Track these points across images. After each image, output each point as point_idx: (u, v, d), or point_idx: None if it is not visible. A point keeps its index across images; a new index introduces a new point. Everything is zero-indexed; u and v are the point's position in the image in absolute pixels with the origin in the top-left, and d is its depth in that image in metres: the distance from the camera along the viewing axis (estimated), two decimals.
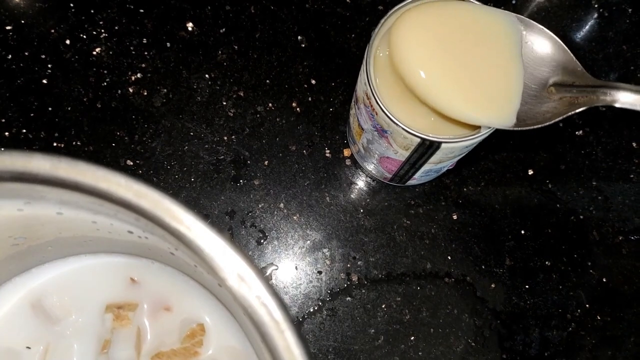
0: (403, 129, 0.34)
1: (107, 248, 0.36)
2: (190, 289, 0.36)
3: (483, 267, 0.47)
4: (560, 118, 0.33)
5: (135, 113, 0.48)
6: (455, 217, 0.48)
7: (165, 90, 0.49)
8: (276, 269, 0.46)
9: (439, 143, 0.34)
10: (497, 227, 0.48)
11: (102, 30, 0.50)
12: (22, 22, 0.50)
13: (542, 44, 0.34)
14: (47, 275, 0.36)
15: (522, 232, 0.48)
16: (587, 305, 0.47)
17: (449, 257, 0.47)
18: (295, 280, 0.46)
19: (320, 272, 0.46)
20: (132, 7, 0.50)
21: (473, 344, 0.46)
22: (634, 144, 0.50)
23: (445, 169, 0.43)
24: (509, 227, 0.48)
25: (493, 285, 0.47)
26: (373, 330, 0.46)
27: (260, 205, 0.47)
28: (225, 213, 0.47)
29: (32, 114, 0.48)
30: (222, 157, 0.48)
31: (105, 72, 0.49)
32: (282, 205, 0.47)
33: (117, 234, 0.31)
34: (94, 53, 0.50)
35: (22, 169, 0.22)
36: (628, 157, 0.50)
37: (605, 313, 0.47)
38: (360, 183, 0.49)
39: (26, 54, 0.49)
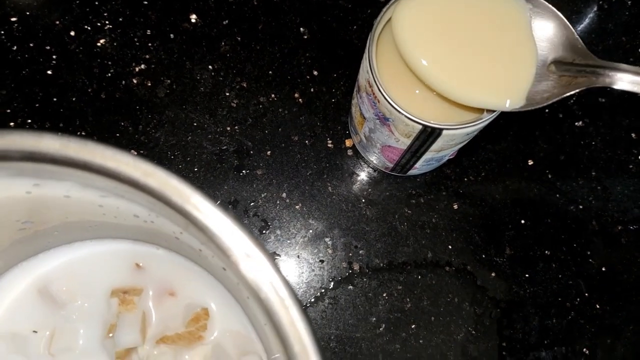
0: (405, 116, 0.34)
1: (113, 234, 0.37)
2: (194, 275, 0.37)
3: (483, 256, 0.48)
4: (558, 99, 0.33)
5: (139, 104, 0.49)
6: (455, 206, 0.49)
7: (169, 81, 0.50)
8: (279, 258, 0.47)
9: (441, 130, 0.35)
10: (497, 217, 0.49)
11: (106, 22, 0.50)
12: (27, 13, 0.50)
13: (544, 18, 0.34)
14: (53, 260, 0.36)
15: (522, 221, 0.49)
16: (586, 294, 0.47)
17: (450, 247, 0.48)
18: (298, 269, 0.46)
19: (322, 261, 0.47)
20: None
21: (473, 332, 0.47)
22: (633, 135, 0.51)
23: (446, 158, 0.43)
24: (509, 216, 0.49)
25: (493, 274, 0.48)
26: (374, 319, 0.46)
27: (262, 195, 0.48)
28: (228, 202, 0.47)
29: (37, 105, 0.48)
30: (225, 147, 0.49)
31: (110, 63, 0.50)
32: (284, 195, 0.48)
33: (123, 219, 0.32)
34: (98, 44, 0.50)
35: (32, 149, 0.23)
36: (627, 148, 0.50)
37: (604, 302, 0.47)
38: (362, 173, 0.49)
39: (31, 45, 0.50)
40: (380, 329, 0.46)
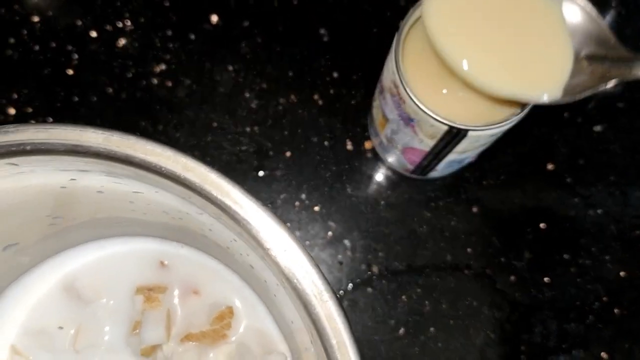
0: (431, 116, 0.35)
1: (139, 231, 0.37)
2: (219, 274, 0.37)
3: (502, 259, 0.48)
4: (591, 92, 0.33)
5: (159, 104, 0.49)
6: (475, 210, 0.49)
7: (189, 81, 0.50)
8: None
9: (466, 131, 0.35)
10: (516, 221, 0.49)
11: (127, 22, 0.51)
12: (49, 14, 0.51)
13: (574, 13, 0.34)
14: (79, 257, 0.37)
15: (541, 225, 0.49)
16: (605, 299, 0.47)
17: (469, 250, 0.48)
18: None
19: (341, 263, 0.47)
20: None
21: (492, 335, 0.47)
22: None
23: (467, 161, 0.43)
24: (528, 221, 0.49)
25: (512, 278, 0.48)
26: (393, 321, 0.46)
27: (281, 196, 0.48)
28: None
29: (58, 104, 0.49)
30: (244, 147, 0.49)
31: (130, 63, 0.50)
32: (303, 196, 0.48)
33: (152, 215, 0.32)
34: (119, 44, 0.50)
35: (75, 142, 0.23)
36: None
37: (623, 306, 0.47)
38: (381, 175, 0.49)
39: (52, 45, 0.50)
40: (399, 331, 0.46)
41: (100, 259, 0.37)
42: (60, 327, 0.36)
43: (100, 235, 0.37)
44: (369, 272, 0.47)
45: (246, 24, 0.52)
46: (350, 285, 0.47)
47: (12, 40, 0.50)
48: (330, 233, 0.48)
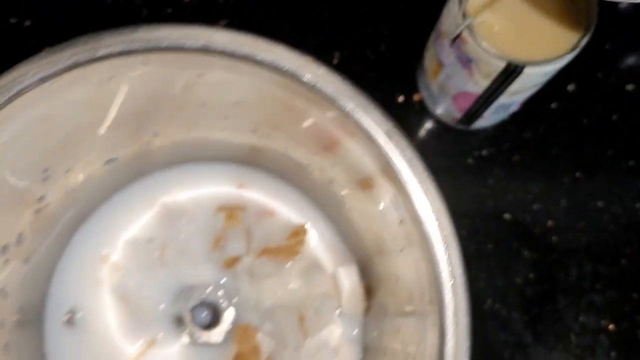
0: (491, 53, 0.38)
1: (221, 156, 0.40)
2: (293, 196, 0.40)
3: (541, 205, 0.51)
4: None
5: None
6: (515, 159, 0.52)
7: None
8: None
9: (523, 67, 0.38)
10: (553, 170, 0.52)
11: None
12: None
13: None
14: (168, 178, 0.41)
15: (577, 175, 0.52)
16: (636, 245, 0.51)
17: (509, 197, 0.51)
18: None
19: None
20: None
21: (531, 275, 0.50)
22: None
23: (512, 109, 0.47)
24: (565, 170, 0.52)
25: (550, 223, 0.51)
26: None
27: None
28: None
29: None
30: None
31: None
32: None
33: (239, 135, 0.36)
34: None
35: (205, 42, 0.27)
36: None
37: None
38: (429, 126, 0.53)
39: None
40: None
41: (186, 180, 0.41)
42: (150, 241, 0.40)
43: (186, 159, 0.40)
44: None
45: None
46: None
47: None
48: None
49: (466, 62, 0.41)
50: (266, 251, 0.39)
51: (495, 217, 0.51)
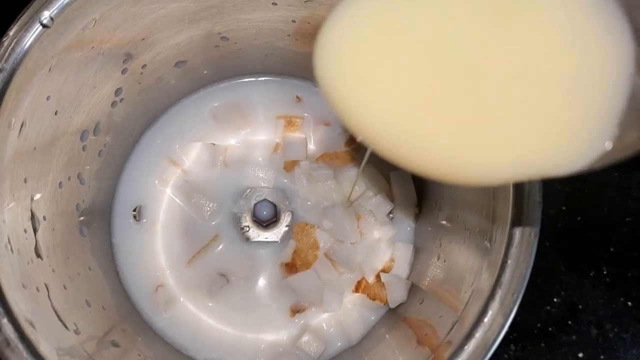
0: None
1: (280, 70, 0.43)
2: None
3: None
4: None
5: None
6: None
7: None
8: None
9: None
10: None
11: None
12: None
13: None
14: (230, 89, 0.43)
15: None
16: None
17: None
18: None
19: None
20: None
21: (564, 207, 0.52)
22: None
23: None
24: None
25: None
26: None
27: None
28: None
29: None
30: None
31: None
32: None
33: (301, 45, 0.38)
34: None
35: None
36: None
37: None
38: None
39: None
40: None
41: (247, 92, 0.43)
42: (213, 145, 0.42)
43: (247, 72, 0.43)
44: None
45: None
46: None
47: None
48: None
49: None
50: (323, 157, 0.41)
51: None
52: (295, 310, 0.40)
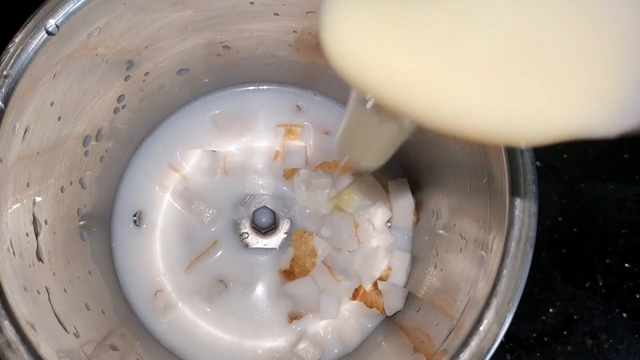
0: None
1: (281, 78, 0.43)
2: None
3: (570, 155, 0.54)
4: None
5: None
6: None
7: None
8: None
9: None
10: None
11: None
12: None
13: None
14: (230, 98, 0.43)
15: None
16: None
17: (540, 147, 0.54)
18: None
19: None
20: None
21: (560, 218, 0.53)
22: None
23: None
24: None
25: (579, 171, 0.54)
26: None
27: None
28: None
29: None
30: None
31: None
32: None
33: (303, 54, 0.38)
34: None
35: None
36: None
37: None
38: None
39: None
40: None
41: (248, 100, 0.43)
42: (213, 152, 0.42)
43: (249, 80, 0.43)
44: None
45: None
46: None
47: None
48: None
49: None
50: (322, 165, 0.42)
51: None
52: (293, 317, 0.40)
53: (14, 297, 0.27)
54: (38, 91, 0.30)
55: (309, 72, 0.41)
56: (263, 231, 0.40)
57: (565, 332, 0.50)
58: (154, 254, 0.41)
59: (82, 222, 0.37)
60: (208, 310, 0.40)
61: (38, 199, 0.32)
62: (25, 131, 0.30)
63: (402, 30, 0.19)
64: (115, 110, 0.38)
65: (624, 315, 0.51)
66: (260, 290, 0.41)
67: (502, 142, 0.22)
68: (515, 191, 0.28)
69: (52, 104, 0.31)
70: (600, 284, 0.52)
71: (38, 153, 0.31)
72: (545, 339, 0.50)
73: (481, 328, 0.27)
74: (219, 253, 0.41)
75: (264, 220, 0.40)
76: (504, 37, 0.18)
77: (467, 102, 0.19)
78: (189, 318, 0.40)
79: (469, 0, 0.18)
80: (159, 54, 0.37)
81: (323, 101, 0.43)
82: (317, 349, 0.39)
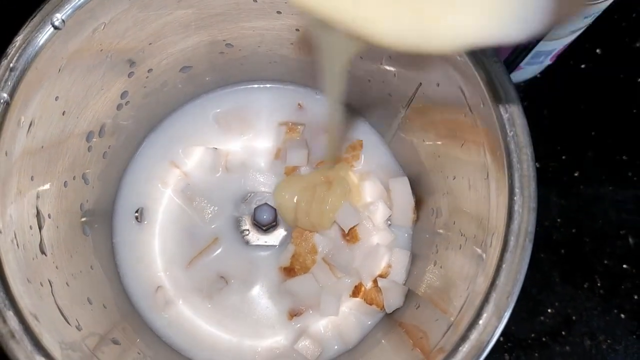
0: None
1: (282, 77, 0.43)
2: (349, 115, 0.43)
3: (569, 157, 0.55)
4: None
5: None
6: (545, 112, 0.56)
7: None
8: None
9: None
10: (580, 124, 0.56)
11: None
12: None
13: None
14: (232, 96, 0.44)
15: (604, 129, 0.56)
16: None
17: (540, 149, 0.55)
18: None
19: None
20: None
21: (558, 220, 0.53)
22: None
23: (547, 62, 0.50)
24: (591, 125, 0.55)
25: (577, 173, 0.54)
26: None
27: None
28: None
29: None
30: None
31: None
32: None
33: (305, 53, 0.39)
34: None
35: None
36: None
37: None
38: None
39: None
40: None
41: (250, 98, 0.44)
42: (215, 150, 0.42)
43: (251, 78, 0.43)
44: None
45: None
46: None
47: None
48: None
49: None
50: (323, 163, 0.42)
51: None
52: (293, 314, 0.41)
53: (17, 288, 0.27)
54: (43, 85, 0.30)
55: (311, 70, 0.42)
56: (264, 228, 0.41)
57: (563, 333, 0.50)
58: (155, 250, 0.41)
59: (84, 218, 0.37)
60: (209, 306, 0.41)
61: (42, 193, 0.32)
62: (30, 125, 0.30)
63: None
64: (119, 107, 0.38)
65: (622, 316, 0.51)
66: (260, 287, 0.41)
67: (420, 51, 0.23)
68: (514, 187, 0.29)
69: (56, 98, 0.31)
70: (599, 284, 0.52)
71: (42, 147, 0.31)
72: (544, 339, 0.50)
73: (480, 322, 0.27)
74: (220, 250, 0.41)
75: (265, 217, 0.40)
76: None
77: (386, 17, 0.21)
78: (189, 314, 0.40)
79: None
80: (163, 51, 0.38)
81: (324, 100, 0.44)
82: (317, 345, 0.39)
